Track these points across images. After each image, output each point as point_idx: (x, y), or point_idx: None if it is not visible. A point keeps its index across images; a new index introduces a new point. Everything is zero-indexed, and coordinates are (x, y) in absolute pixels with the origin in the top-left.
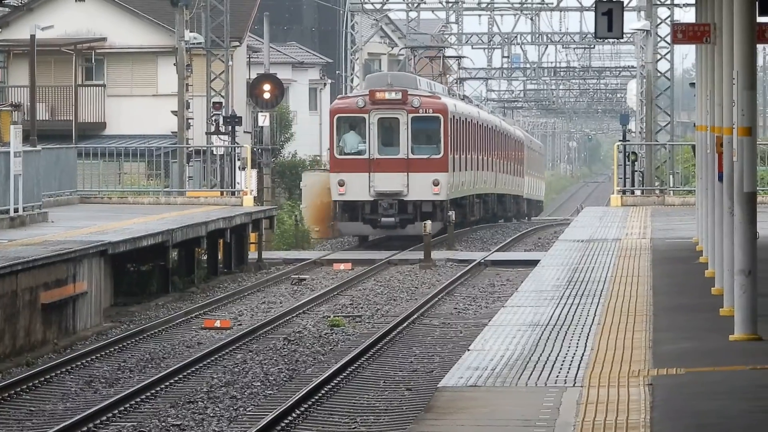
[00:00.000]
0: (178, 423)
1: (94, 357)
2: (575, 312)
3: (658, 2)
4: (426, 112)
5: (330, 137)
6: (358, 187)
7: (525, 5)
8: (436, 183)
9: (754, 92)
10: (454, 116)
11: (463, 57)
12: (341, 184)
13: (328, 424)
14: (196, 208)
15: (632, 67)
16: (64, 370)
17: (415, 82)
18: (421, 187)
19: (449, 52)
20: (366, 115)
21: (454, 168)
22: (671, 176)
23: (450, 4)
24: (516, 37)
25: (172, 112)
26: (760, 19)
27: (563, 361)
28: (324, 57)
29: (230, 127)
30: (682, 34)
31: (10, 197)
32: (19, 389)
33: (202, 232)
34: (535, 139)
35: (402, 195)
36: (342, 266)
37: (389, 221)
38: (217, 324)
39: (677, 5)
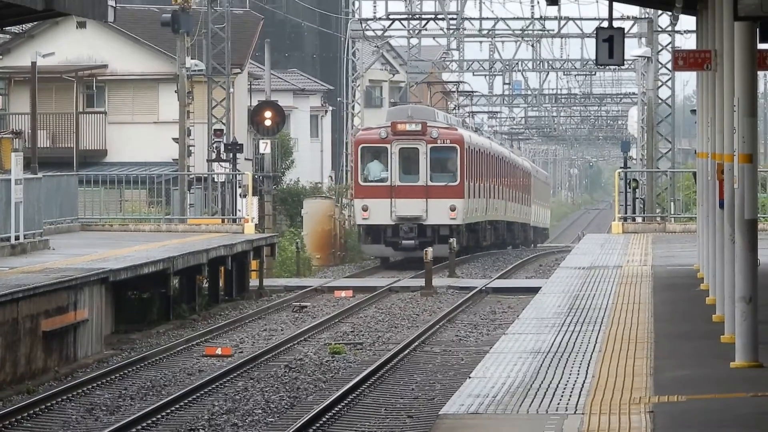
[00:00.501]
0: None
1: (95, 384)
2: (576, 339)
3: (659, 29)
4: (444, 143)
5: (354, 165)
6: (380, 212)
7: (526, 32)
8: (453, 208)
9: (755, 119)
10: (469, 147)
11: (475, 92)
12: (365, 209)
13: None
14: (197, 235)
15: (633, 93)
16: (65, 397)
17: (433, 114)
18: (438, 212)
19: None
20: (388, 145)
21: (469, 195)
22: (672, 203)
23: (451, 31)
24: (517, 63)
25: (174, 139)
26: (761, 46)
27: (564, 388)
28: (325, 84)
29: (231, 154)
30: (683, 60)
31: (11, 224)
32: (20, 417)
33: (204, 260)
34: (542, 170)
35: (421, 219)
36: (343, 293)
37: (409, 243)
38: (219, 351)
39: (678, 32)
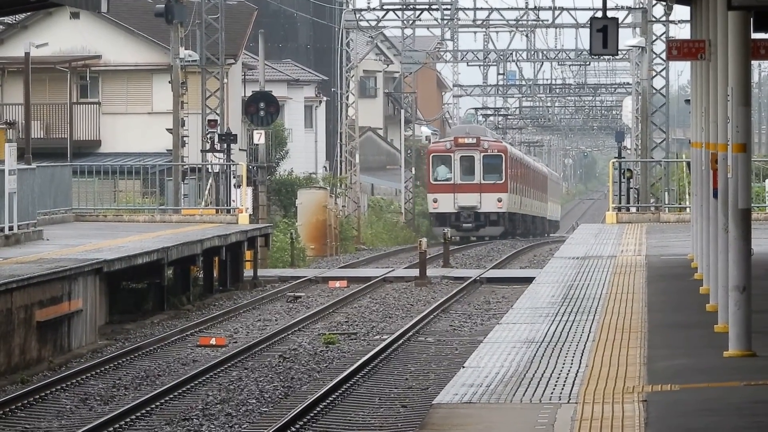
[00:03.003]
0: None
1: (89, 374)
2: (570, 329)
3: (653, 19)
4: (493, 152)
5: (426, 169)
6: (446, 203)
7: (520, 22)
8: (499, 200)
9: (749, 108)
10: (511, 155)
11: (522, 127)
12: (435, 201)
13: None
14: (191, 225)
15: (627, 83)
16: (59, 387)
17: (484, 131)
18: (489, 203)
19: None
20: (452, 154)
21: (511, 190)
22: (666, 193)
23: (445, 22)
24: (511, 54)
25: (167, 129)
26: (755, 35)
27: (558, 377)
28: (319, 74)
29: (225, 144)
30: (677, 50)
31: (5, 215)
32: (14, 407)
33: (198, 250)
34: (554, 172)
35: (476, 208)
36: (337, 284)
37: (468, 226)
38: (213, 341)
39: (672, 22)
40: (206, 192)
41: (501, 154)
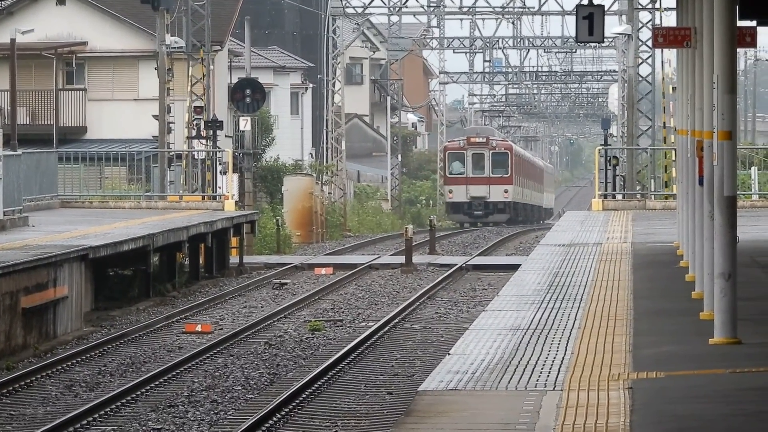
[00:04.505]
0: (159, 427)
1: (74, 361)
2: (556, 316)
3: (640, 6)
4: (500, 149)
5: (443, 164)
6: (460, 194)
7: (506, 9)
8: (506, 191)
9: (734, 96)
10: (515, 152)
11: (522, 125)
12: (450, 192)
13: (308, 428)
14: (177, 212)
15: (614, 71)
16: (44, 374)
17: (493, 132)
18: (497, 193)
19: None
20: (465, 151)
21: (515, 183)
22: (653, 180)
23: (432, 9)
24: (498, 41)
25: (153, 116)
26: (740, 23)
27: (543, 364)
28: (305, 61)
29: (211, 131)
30: (663, 38)
31: None
32: None
33: (184, 237)
34: (549, 165)
35: (486, 198)
36: (323, 271)
37: (478, 213)
38: (198, 328)
39: (658, 9)
40: (181, 176)
41: (507, 151)
